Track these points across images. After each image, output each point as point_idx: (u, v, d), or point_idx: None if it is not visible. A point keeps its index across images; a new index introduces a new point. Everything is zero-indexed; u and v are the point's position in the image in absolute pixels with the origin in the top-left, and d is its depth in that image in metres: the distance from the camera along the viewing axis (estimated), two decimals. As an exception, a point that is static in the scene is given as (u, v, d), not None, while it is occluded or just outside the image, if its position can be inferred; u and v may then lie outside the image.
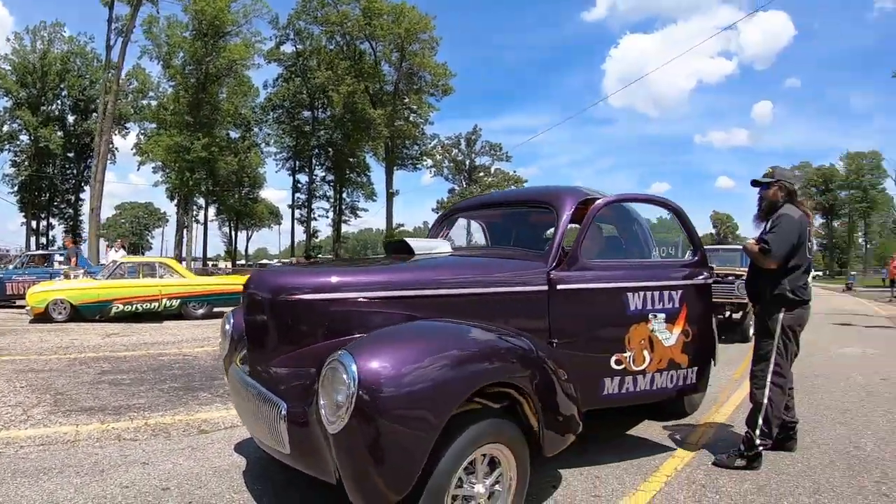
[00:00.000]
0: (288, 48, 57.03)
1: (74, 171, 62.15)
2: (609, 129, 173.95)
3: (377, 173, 63.33)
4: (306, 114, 60.72)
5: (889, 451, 4.90)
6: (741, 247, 4.85)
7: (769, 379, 4.46)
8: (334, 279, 3.51)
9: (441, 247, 4.67)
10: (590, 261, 4.30)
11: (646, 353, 4.31)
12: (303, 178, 64.15)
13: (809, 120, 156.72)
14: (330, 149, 59.92)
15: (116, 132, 52.69)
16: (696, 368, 4.67)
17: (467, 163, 73.07)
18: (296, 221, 64.88)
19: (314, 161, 62.41)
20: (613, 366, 4.16)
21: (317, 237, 67.28)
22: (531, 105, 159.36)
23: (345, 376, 2.68)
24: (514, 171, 73.56)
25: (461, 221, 5.85)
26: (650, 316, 4.36)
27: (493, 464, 3.12)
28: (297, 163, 62.79)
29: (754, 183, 4.76)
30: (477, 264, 4.35)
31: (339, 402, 2.69)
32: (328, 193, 63.86)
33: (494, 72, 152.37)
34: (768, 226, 4.53)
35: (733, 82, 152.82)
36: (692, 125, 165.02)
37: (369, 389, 2.63)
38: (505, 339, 3.32)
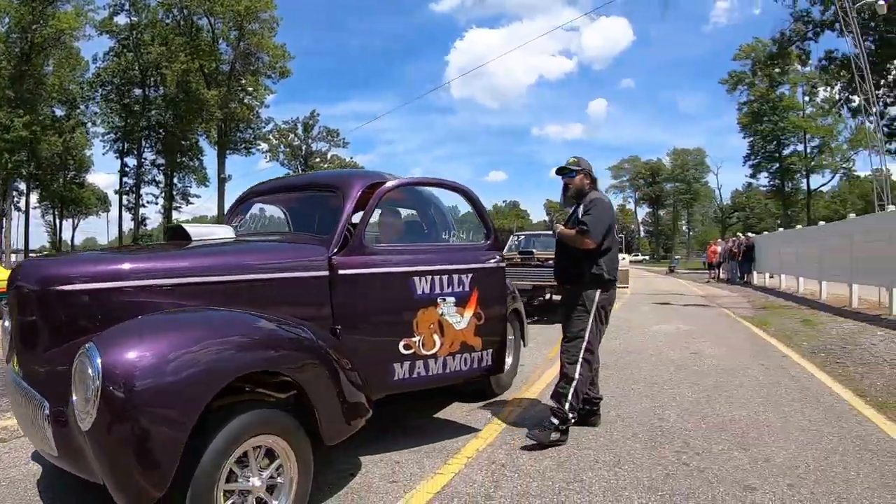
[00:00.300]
0: (122, 19, 53.21)
1: None
2: (450, 119, 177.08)
3: (211, 157, 59.53)
4: (138, 92, 56.28)
5: (692, 421, 5.07)
6: (558, 232, 4.83)
7: (581, 355, 4.56)
8: (101, 267, 3.29)
9: (221, 232, 4.44)
10: (375, 245, 4.28)
11: (436, 337, 4.26)
12: (132, 161, 59.52)
13: (641, 118, 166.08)
14: (161, 130, 56.54)
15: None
16: (491, 351, 4.70)
17: (304, 148, 71.98)
18: (124, 208, 61.11)
19: (144, 143, 58.14)
20: (402, 351, 4.10)
21: (146, 225, 63.47)
22: (374, 92, 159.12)
23: (90, 370, 2.52)
24: (352, 158, 73.37)
25: (260, 206, 5.56)
26: (439, 300, 4.30)
27: (272, 455, 3.02)
28: (126, 145, 58.51)
29: (560, 171, 4.88)
30: (253, 250, 4.15)
31: (87, 397, 2.53)
32: (158, 178, 60.19)
33: (339, 57, 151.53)
34: (581, 210, 4.64)
35: (572, 80, 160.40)
36: (531, 118, 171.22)
37: (114, 383, 2.47)
38: (272, 327, 3.21)
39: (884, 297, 12.44)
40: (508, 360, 5.77)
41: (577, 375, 4.51)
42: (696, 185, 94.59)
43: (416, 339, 4.15)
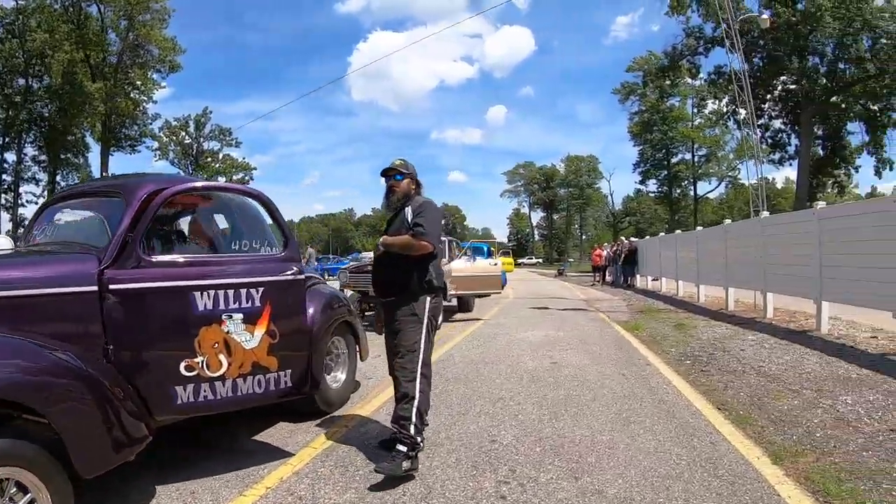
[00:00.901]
0: (8, 2, 48.49)
1: None
2: (351, 121, 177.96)
3: (97, 154, 55.54)
4: (21, 82, 51.65)
5: (528, 442, 4.62)
6: (382, 242, 4.40)
7: (419, 370, 4.20)
8: None
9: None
10: (153, 257, 3.89)
11: (222, 357, 3.88)
12: (11, 156, 53.66)
13: (538, 125, 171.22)
14: (44, 124, 51.92)
15: None
16: (290, 371, 4.31)
17: (195, 147, 68.16)
18: (1, 208, 55.59)
19: (25, 137, 53.48)
20: (184, 372, 3.72)
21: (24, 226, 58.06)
22: (273, 92, 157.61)
23: None
24: (244, 158, 70.45)
25: (58, 214, 5.05)
26: (224, 317, 3.93)
27: (24, 488, 2.80)
28: (5, 139, 53.24)
29: (386, 172, 4.51)
30: (10, 264, 3.82)
31: None
32: (39, 176, 54.62)
33: (239, 55, 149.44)
34: (411, 213, 4.33)
35: (473, 85, 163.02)
36: (430, 122, 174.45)
37: None
38: (10, 350, 2.97)
39: (759, 300, 12.45)
40: (340, 377, 5.73)
41: (417, 393, 4.13)
42: (589, 191, 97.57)
43: (200, 359, 3.78)
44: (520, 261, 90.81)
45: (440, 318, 4.55)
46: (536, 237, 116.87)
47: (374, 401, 5.97)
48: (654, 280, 23.66)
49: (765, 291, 11.75)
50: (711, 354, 8.12)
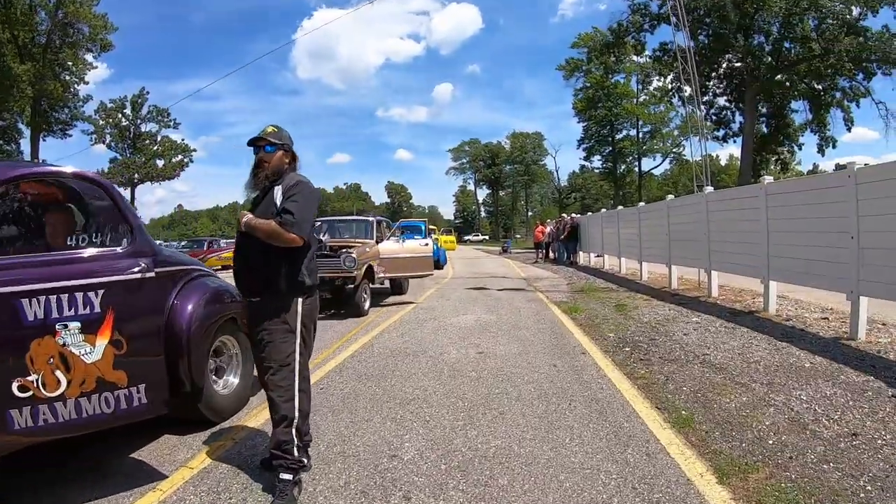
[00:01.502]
0: None
1: None
2: (296, 101, 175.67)
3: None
4: None
5: (432, 458, 3.98)
6: (246, 223, 3.56)
7: (297, 387, 3.54)
8: None
9: None
10: None
11: (59, 374, 3.31)
12: None
13: (485, 102, 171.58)
14: None
15: None
16: (143, 387, 3.69)
17: (132, 129, 64.53)
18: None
19: None
20: (18, 394, 3.18)
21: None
22: (218, 71, 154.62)
23: None
24: (183, 140, 68.17)
25: None
26: (58, 327, 3.33)
27: None
28: None
29: (254, 142, 3.70)
30: None
31: None
32: None
33: (181, 34, 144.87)
34: (282, 194, 3.53)
35: (419, 63, 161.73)
36: (376, 100, 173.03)
37: None
38: None
39: (703, 278, 12.03)
40: (232, 381, 5.10)
41: (296, 414, 3.51)
42: (535, 168, 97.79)
43: (34, 378, 3.22)
44: (466, 238, 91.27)
45: (315, 323, 3.76)
46: (483, 214, 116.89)
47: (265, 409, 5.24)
48: (597, 257, 23.33)
49: (709, 270, 11.31)
50: (652, 340, 7.59)
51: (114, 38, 49.83)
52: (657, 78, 50.79)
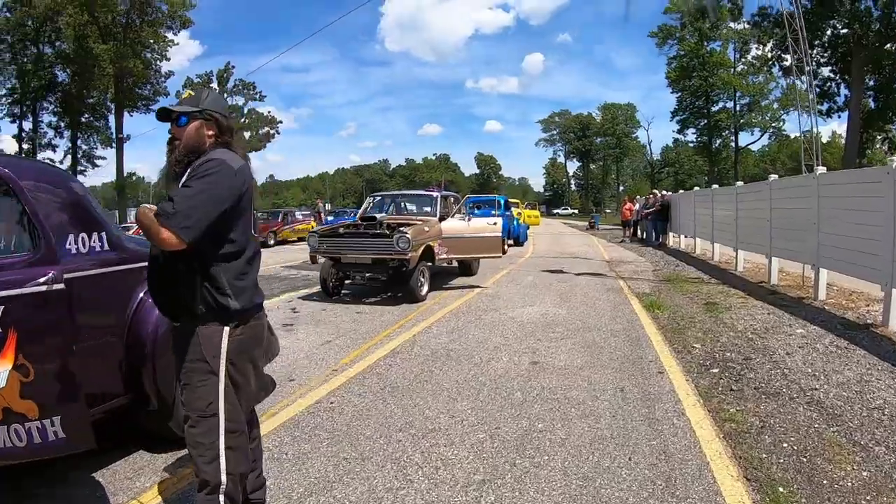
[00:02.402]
0: None
1: None
2: (386, 72, 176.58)
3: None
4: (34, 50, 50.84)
5: None
6: (136, 214, 2.69)
7: (222, 445, 2.52)
8: None
9: None
10: None
11: None
12: (27, 125, 52.82)
13: (576, 73, 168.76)
14: (58, 90, 50.13)
15: None
16: (59, 419, 2.97)
17: None
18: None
19: (40, 105, 52.23)
20: None
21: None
22: (304, 44, 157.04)
23: None
24: (269, 112, 69.57)
25: None
26: None
27: None
28: (23, 108, 52.23)
29: (162, 114, 2.63)
30: None
31: None
32: (55, 142, 53.59)
33: (265, 7, 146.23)
34: (187, 176, 2.51)
35: (509, 33, 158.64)
36: (466, 71, 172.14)
37: None
38: None
39: (808, 273, 10.33)
40: None
41: (223, 479, 2.50)
42: (626, 140, 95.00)
43: None
44: (555, 211, 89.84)
45: (258, 358, 2.72)
46: (573, 187, 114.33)
47: (276, 417, 4.49)
48: (687, 239, 21.33)
49: (817, 267, 9.46)
50: (747, 359, 6.12)
51: (203, 16, 51.39)
52: (756, 46, 47.79)
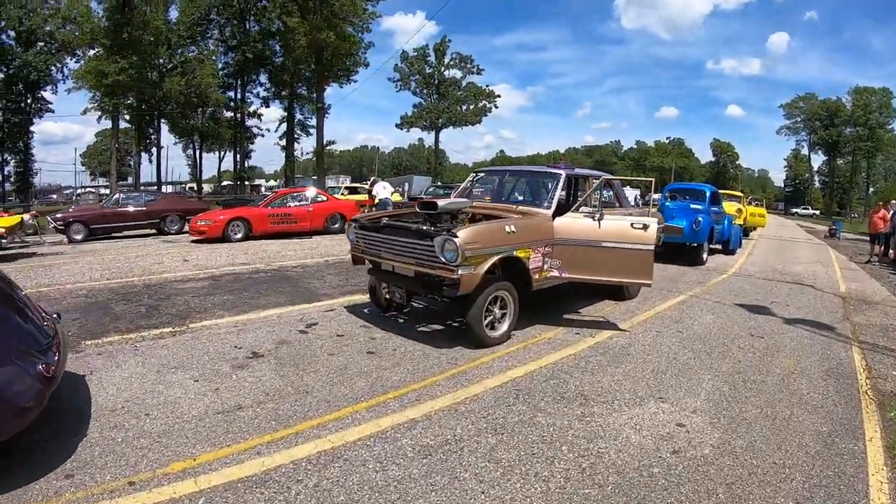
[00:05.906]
0: None
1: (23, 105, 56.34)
2: (621, 50, 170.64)
3: (333, 88, 57.87)
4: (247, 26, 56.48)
5: None
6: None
7: None
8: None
9: None
10: None
11: None
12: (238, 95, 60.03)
13: (824, 54, 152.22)
14: (268, 64, 55.82)
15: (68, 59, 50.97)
16: None
17: (436, 76, 69.20)
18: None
19: (248, 78, 59.03)
20: None
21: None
22: (539, 22, 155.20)
23: None
24: (488, 86, 69.73)
25: None
26: None
27: None
28: (238, 81, 59.10)
29: None
30: None
31: None
32: (259, 111, 60.41)
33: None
34: None
35: (751, 10, 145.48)
36: (705, 51, 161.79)
37: None
38: None
39: None
40: None
41: None
42: (881, 133, 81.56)
43: None
44: (794, 210, 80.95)
45: None
46: (816, 184, 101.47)
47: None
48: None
49: None
50: None
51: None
52: None
